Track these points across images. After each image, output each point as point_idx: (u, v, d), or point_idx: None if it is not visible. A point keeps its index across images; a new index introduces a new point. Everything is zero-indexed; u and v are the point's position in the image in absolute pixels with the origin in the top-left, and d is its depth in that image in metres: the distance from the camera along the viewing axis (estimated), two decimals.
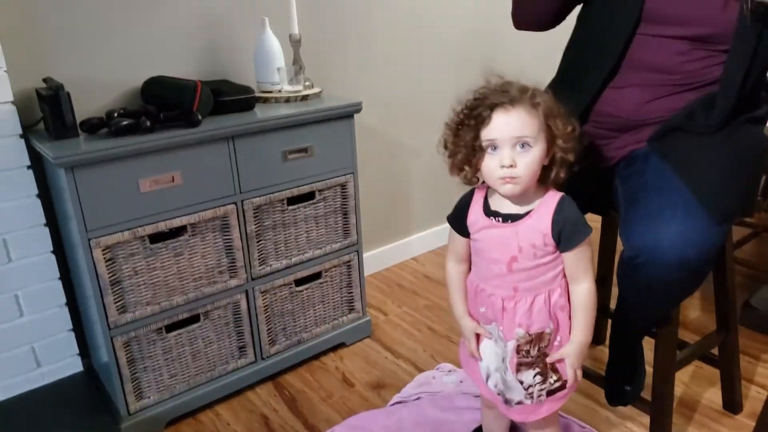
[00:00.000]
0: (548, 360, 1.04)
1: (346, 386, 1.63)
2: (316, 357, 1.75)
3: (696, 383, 1.57)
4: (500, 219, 1.01)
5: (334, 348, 1.79)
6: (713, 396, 1.51)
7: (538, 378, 1.04)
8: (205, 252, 1.45)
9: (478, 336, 1.11)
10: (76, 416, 1.42)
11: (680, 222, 1.00)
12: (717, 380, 1.49)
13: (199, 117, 1.38)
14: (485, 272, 1.05)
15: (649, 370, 1.30)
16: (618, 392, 1.36)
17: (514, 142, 0.94)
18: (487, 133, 0.95)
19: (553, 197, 0.99)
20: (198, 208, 1.41)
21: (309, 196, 1.60)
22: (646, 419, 1.35)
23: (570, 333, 1.04)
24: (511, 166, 0.94)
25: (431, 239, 2.42)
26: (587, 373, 1.48)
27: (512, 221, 1.00)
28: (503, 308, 1.03)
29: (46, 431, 1.37)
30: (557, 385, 1.06)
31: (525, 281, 1.01)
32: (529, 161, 0.94)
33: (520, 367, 1.04)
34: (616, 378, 1.37)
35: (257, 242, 1.53)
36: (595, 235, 1.20)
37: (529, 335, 1.02)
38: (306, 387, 1.63)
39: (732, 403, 1.47)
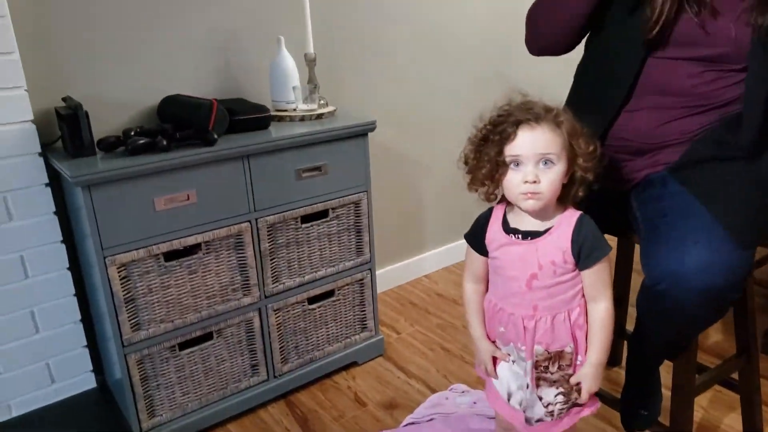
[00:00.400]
0: (571, 381, 1.03)
1: (358, 406, 1.62)
2: (329, 375, 1.74)
3: (715, 408, 1.54)
4: (520, 236, 1.01)
5: (347, 367, 1.78)
6: (733, 422, 1.48)
7: (560, 398, 1.03)
8: (219, 270, 1.46)
9: (494, 358, 1.10)
10: None
11: (704, 247, 0.98)
12: (737, 405, 1.46)
13: (215, 136, 1.39)
14: (504, 291, 1.04)
15: (666, 393, 1.27)
16: (634, 416, 1.34)
17: (537, 159, 0.95)
18: (512, 149, 0.96)
19: (573, 215, 1.00)
20: (212, 226, 1.41)
21: (323, 214, 1.60)
22: None
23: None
24: (535, 182, 0.94)
25: (444, 257, 2.41)
26: (603, 396, 1.46)
27: (532, 238, 1.00)
28: (524, 327, 1.02)
29: None
30: (579, 402, 1.05)
31: (545, 300, 1.00)
32: (552, 178, 0.95)
33: (539, 382, 1.03)
34: (632, 401, 1.35)
35: (271, 260, 1.53)
36: (612, 256, 1.19)
37: (548, 353, 1.01)
38: (318, 406, 1.62)
39: (752, 429, 1.43)
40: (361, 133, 1.60)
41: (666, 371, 1.27)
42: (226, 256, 1.46)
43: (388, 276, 2.25)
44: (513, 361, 1.06)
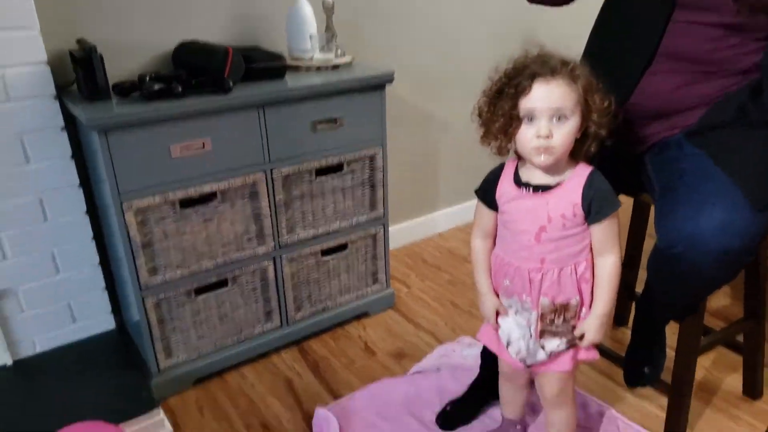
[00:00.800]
0: (575, 332, 1.05)
1: (367, 354, 1.66)
2: (340, 325, 1.78)
3: (717, 368, 1.56)
4: (531, 189, 1.01)
5: (358, 317, 1.82)
6: (734, 381, 1.51)
7: (563, 346, 1.05)
8: (234, 219, 1.48)
9: (497, 312, 1.12)
10: (108, 370, 1.49)
11: (721, 210, 0.98)
12: (739, 366, 1.48)
13: (230, 83, 1.38)
14: (513, 245, 1.05)
15: (670, 353, 1.29)
16: (637, 373, 1.37)
17: (551, 114, 0.94)
18: (526, 103, 0.95)
19: (585, 170, 1.00)
20: (228, 175, 1.42)
21: (337, 168, 1.60)
22: (663, 401, 1.36)
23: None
24: (548, 136, 0.94)
25: (457, 215, 2.41)
26: (607, 354, 1.49)
27: (543, 191, 1.00)
28: (530, 280, 1.03)
29: (80, 383, 1.44)
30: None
31: (552, 252, 1.01)
32: (565, 132, 0.95)
33: (543, 333, 1.05)
34: (636, 359, 1.37)
35: (285, 211, 1.55)
36: (625, 217, 1.19)
37: (554, 305, 1.03)
38: (329, 353, 1.67)
39: (752, 389, 1.46)
40: (378, 85, 1.58)
41: (672, 332, 1.28)
42: (241, 205, 1.48)
43: (401, 232, 2.27)
44: (516, 312, 1.08)
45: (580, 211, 0.98)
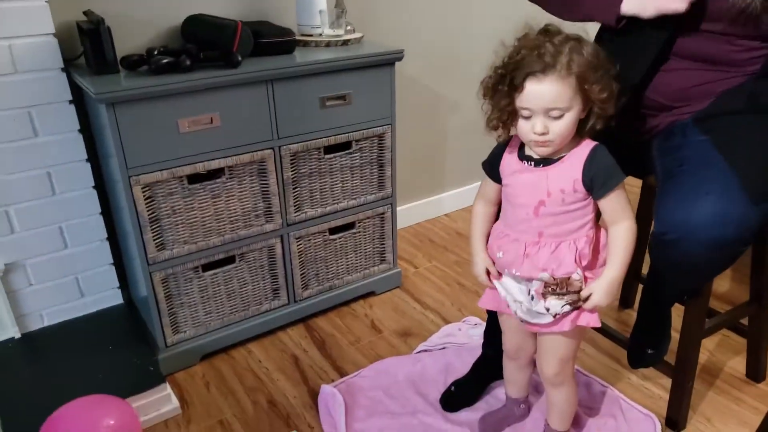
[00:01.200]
0: (582, 293, 1.04)
1: (374, 332, 1.67)
2: (347, 303, 1.79)
3: (721, 351, 1.57)
4: (532, 163, 1.01)
5: (365, 296, 1.82)
6: (737, 365, 1.52)
7: (568, 308, 1.05)
8: (242, 195, 1.47)
9: (489, 274, 1.12)
10: (116, 345, 1.49)
11: (716, 199, 0.98)
12: (743, 350, 1.49)
13: (239, 58, 1.37)
14: (513, 218, 1.06)
15: (675, 335, 1.30)
16: (641, 355, 1.38)
17: (546, 112, 0.94)
18: (520, 101, 0.95)
19: (588, 145, 1.00)
20: (236, 152, 1.42)
21: (346, 146, 1.59)
22: (667, 382, 1.37)
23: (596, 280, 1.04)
24: (544, 133, 0.94)
25: (465, 196, 2.41)
26: (612, 335, 1.50)
27: (544, 165, 1.00)
28: (525, 254, 1.03)
29: (88, 357, 1.45)
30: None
31: (551, 227, 1.01)
32: (562, 126, 0.95)
33: (546, 295, 1.04)
34: (640, 341, 1.38)
35: (293, 189, 1.54)
36: (633, 199, 1.19)
37: (554, 279, 1.03)
38: (335, 330, 1.68)
39: (755, 372, 1.47)
40: (387, 62, 1.57)
41: (677, 314, 1.29)
42: (249, 182, 1.47)
43: (409, 213, 2.26)
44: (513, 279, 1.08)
45: (580, 187, 0.98)
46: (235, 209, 1.47)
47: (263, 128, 1.44)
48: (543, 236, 1.02)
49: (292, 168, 1.52)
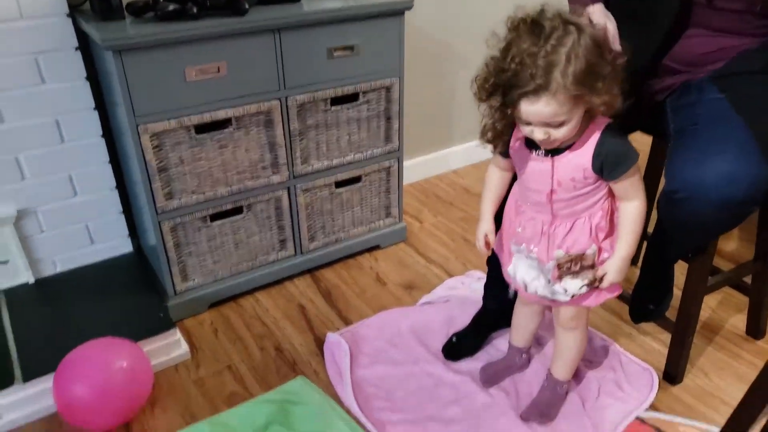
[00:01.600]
0: (597, 273, 1.05)
1: (378, 284, 1.70)
2: (352, 256, 1.81)
3: (723, 309, 1.58)
4: (541, 153, 1.00)
5: (370, 249, 1.84)
6: (737, 322, 1.53)
7: (585, 289, 1.06)
8: (249, 146, 1.47)
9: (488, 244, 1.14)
10: (126, 291, 1.53)
11: (729, 158, 0.97)
12: (744, 308, 1.50)
13: (246, 6, 1.34)
14: (526, 196, 1.06)
15: (677, 292, 1.31)
16: (643, 310, 1.39)
17: (544, 124, 0.91)
18: (517, 113, 0.92)
19: (597, 128, 0.96)
20: (242, 102, 1.41)
21: (353, 98, 1.58)
22: (667, 337, 1.39)
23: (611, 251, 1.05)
24: (545, 138, 0.93)
25: (472, 152, 2.39)
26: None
27: (553, 155, 0.99)
28: (542, 231, 1.04)
29: (99, 303, 1.49)
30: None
31: (564, 209, 1.02)
32: (564, 132, 0.92)
33: (562, 276, 1.06)
34: (643, 297, 1.39)
35: (300, 141, 1.54)
36: (644, 155, 1.18)
37: (569, 256, 1.03)
38: (341, 282, 1.71)
39: (755, 329, 1.48)
40: (396, 11, 1.53)
41: (680, 271, 1.29)
42: (256, 133, 1.47)
43: (415, 168, 2.26)
44: (525, 257, 1.09)
45: (590, 174, 0.97)
46: (242, 160, 1.48)
47: (270, 78, 1.43)
48: (558, 217, 1.03)
49: (298, 119, 1.51)
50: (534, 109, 0.89)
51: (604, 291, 1.09)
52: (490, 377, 1.35)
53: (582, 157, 0.96)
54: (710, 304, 1.59)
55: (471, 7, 2.09)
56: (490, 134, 1.00)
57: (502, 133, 1.00)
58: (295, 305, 1.62)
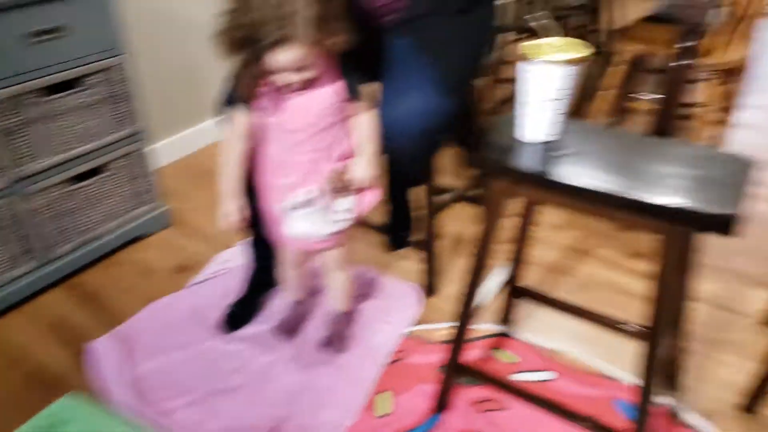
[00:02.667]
0: (353, 176, 1.13)
1: (147, 276, 1.62)
2: (113, 253, 1.70)
3: (462, 222, 1.77)
4: (295, 93, 1.06)
5: (132, 242, 1.75)
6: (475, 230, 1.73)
7: (352, 198, 1.15)
8: None
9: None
10: None
11: (418, 97, 1.14)
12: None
13: None
14: (284, 142, 1.10)
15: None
16: (396, 239, 1.55)
17: (293, 69, 1.00)
18: (268, 63, 0.99)
19: (334, 61, 1.07)
20: None
21: (72, 84, 1.45)
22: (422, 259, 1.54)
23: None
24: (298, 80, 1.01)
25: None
26: (375, 227, 1.64)
27: (307, 91, 1.06)
28: (309, 170, 1.10)
29: None
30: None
31: (324, 139, 1.09)
32: (311, 72, 1.02)
33: (336, 198, 1.14)
34: (394, 227, 1.55)
35: (15, 140, 1.38)
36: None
37: (338, 172, 1.12)
38: (105, 283, 1.60)
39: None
40: None
41: None
42: None
43: (173, 147, 2.17)
44: (302, 207, 1.13)
45: (342, 99, 1.08)
46: None
47: None
48: (319, 150, 1.09)
49: (10, 116, 1.36)
50: (284, 57, 0.97)
51: (369, 196, 1.19)
52: (288, 331, 1.39)
53: (331, 87, 1.07)
54: (452, 220, 1.77)
55: None
56: (246, 89, 1.04)
57: (254, 85, 1.04)
58: (51, 320, 1.48)
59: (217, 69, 2.21)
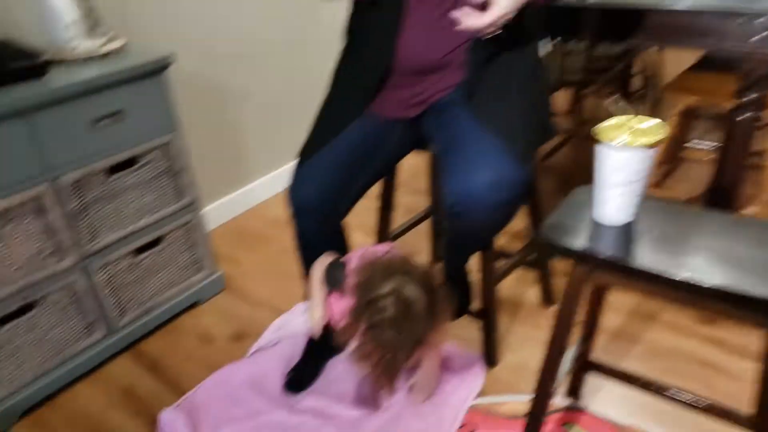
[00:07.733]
0: None
1: (205, 343, 1.65)
2: (172, 320, 1.74)
3: (519, 287, 1.76)
4: None
5: (190, 308, 1.78)
6: (532, 296, 1.71)
7: None
8: (24, 238, 1.34)
9: None
10: None
11: (490, 169, 1.10)
12: (537, 281, 1.69)
13: None
14: None
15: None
16: (456, 307, 1.52)
17: None
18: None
19: None
20: (3, 195, 1.28)
21: (131, 162, 1.51)
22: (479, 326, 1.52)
23: None
24: None
25: (275, 181, 2.40)
26: None
27: None
28: None
29: None
30: None
31: None
32: None
33: None
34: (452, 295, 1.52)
35: (83, 219, 1.44)
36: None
37: None
38: (165, 350, 1.63)
39: (547, 298, 1.68)
40: (156, 70, 1.48)
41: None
42: (27, 223, 1.34)
43: (221, 210, 2.22)
44: None
45: None
46: (19, 254, 1.34)
47: (29, 164, 1.31)
48: None
49: (76, 197, 1.41)
50: None
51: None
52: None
53: None
54: (509, 285, 1.76)
55: (239, 41, 2.09)
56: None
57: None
58: (120, 389, 1.52)
59: (258, 129, 2.31)
